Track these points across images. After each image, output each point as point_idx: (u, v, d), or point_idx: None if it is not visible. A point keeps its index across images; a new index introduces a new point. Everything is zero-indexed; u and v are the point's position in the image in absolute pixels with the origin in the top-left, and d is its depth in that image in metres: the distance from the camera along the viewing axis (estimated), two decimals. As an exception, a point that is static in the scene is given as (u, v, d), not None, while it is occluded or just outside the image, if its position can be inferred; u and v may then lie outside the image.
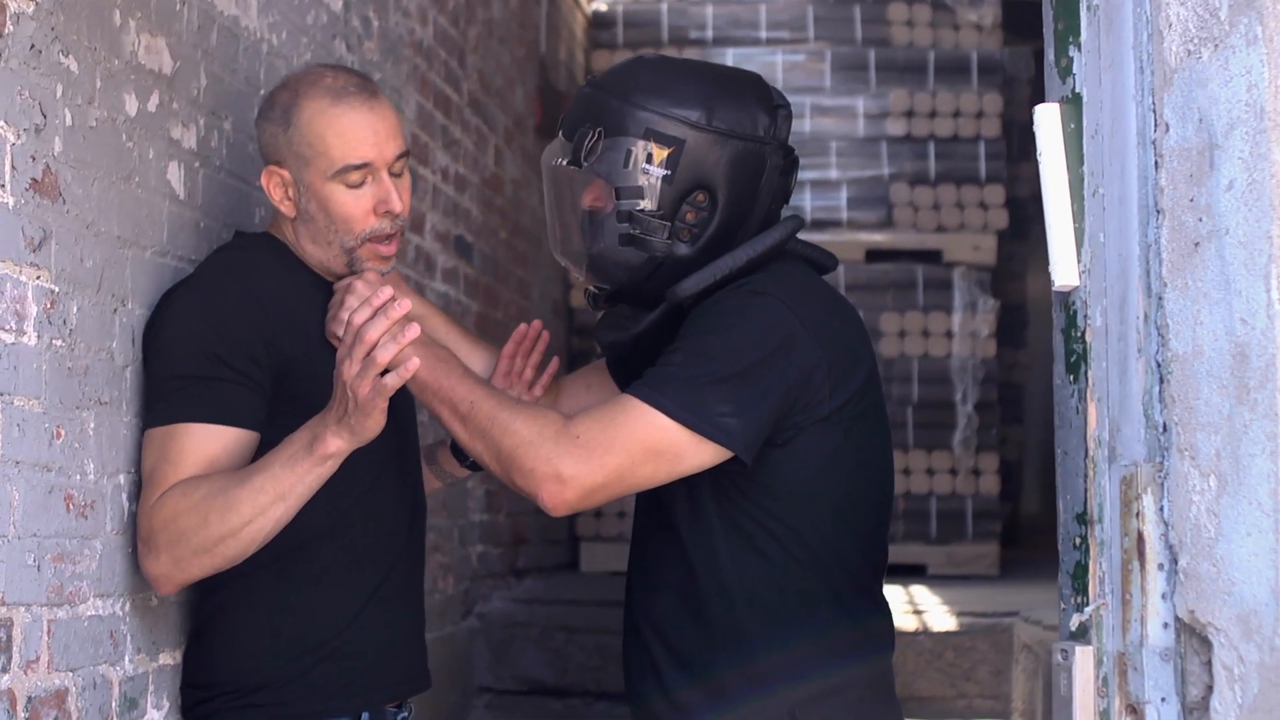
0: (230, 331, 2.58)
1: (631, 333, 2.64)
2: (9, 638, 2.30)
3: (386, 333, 2.39)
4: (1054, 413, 2.34)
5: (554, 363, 2.95)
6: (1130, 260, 2.17)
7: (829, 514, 2.55)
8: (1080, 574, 2.24)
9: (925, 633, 5.80)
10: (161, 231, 2.76)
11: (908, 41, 7.60)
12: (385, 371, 2.39)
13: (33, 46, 2.35)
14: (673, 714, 2.57)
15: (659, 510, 2.60)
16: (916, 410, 7.23)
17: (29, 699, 2.35)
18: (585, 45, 7.83)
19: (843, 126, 7.48)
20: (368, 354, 2.39)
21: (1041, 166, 2.28)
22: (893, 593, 5.84)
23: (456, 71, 5.44)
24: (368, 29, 4.12)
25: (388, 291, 2.42)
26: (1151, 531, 2.13)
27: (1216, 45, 2.10)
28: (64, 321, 2.44)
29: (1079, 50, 2.26)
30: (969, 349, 7.29)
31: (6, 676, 2.30)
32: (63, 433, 2.44)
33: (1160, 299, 2.13)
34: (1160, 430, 2.13)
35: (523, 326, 2.89)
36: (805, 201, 7.33)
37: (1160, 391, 2.13)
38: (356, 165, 2.65)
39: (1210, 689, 2.07)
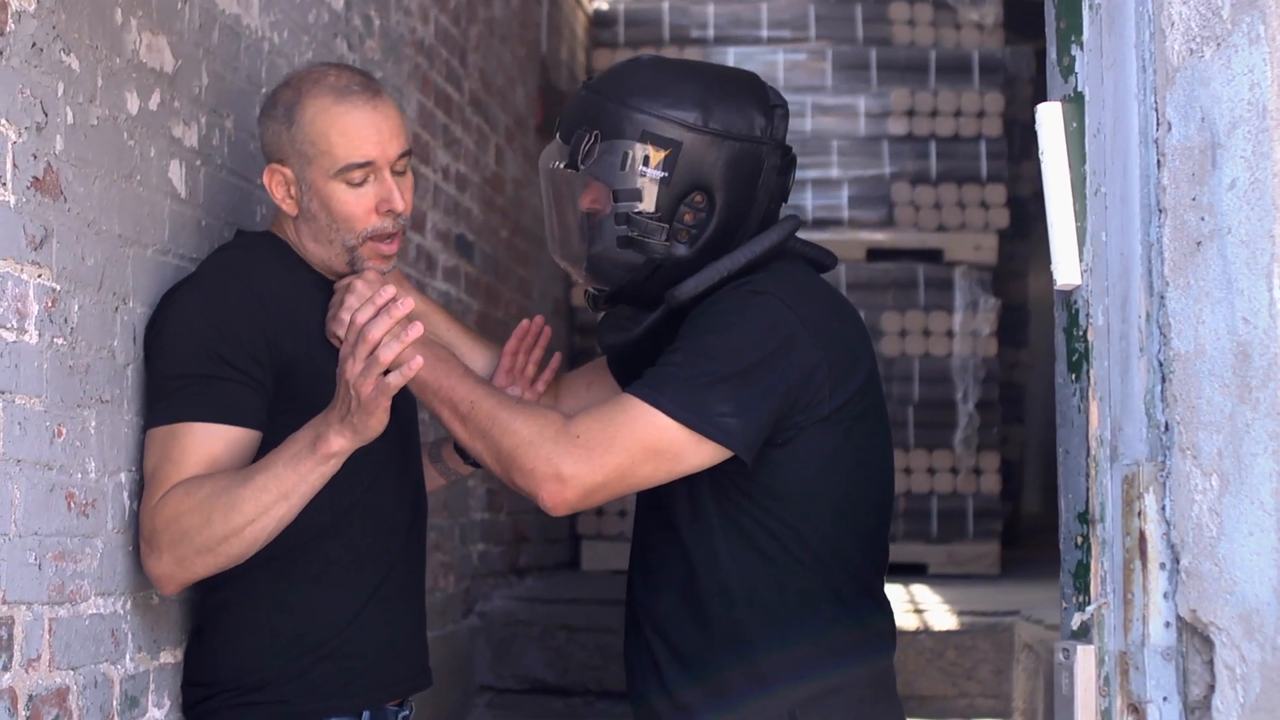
0: (232, 330, 2.58)
1: (631, 334, 2.64)
2: (10, 636, 2.30)
3: (389, 332, 2.39)
4: (1056, 412, 2.34)
5: (556, 358, 2.95)
6: (1132, 259, 2.17)
7: (829, 513, 2.55)
8: (1082, 573, 2.24)
9: (926, 632, 5.80)
10: (163, 230, 2.76)
11: (909, 40, 7.59)
12: (388, 370, 2.39)
13: (34, 45, 2.35)
14: (674, 713, 2.57)
15: (660, 510, 2.60)
16: (917, 409, 7.23)
17: (30, 697, 2.35)
18: (586, 44, 7.83)
19: (844, 125, 7.48)
20: (371, 353, 2.39)
21: (1043, 165, 2.28)
22: (894, 592, 5.84)
23: (458, 70, 5.44)
24: (369, 28, 4.12)
25: (390, 291, 2.41)
26: (1153, 531, 2.13)
27: (1219, 44, 2.10)
28: (65, 320, 2.44)
29: (1081, 49, 2.26)
30: (970, 348, 7.29)
31: (8, 675, 2.30)
32: (64, 431, 2.44)
33: (1162, 298, 2.12)
34: (1162, 429, 2.13)
35: (525, 322, 2.90)
36: (806, 200, 7.32)
37: (1162, 390, 2.13)
38: (359, 164, 2.65)
39: (1212, 688, 2.07)
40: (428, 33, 4.99)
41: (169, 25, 2.78)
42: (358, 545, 2.69)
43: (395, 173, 2.69)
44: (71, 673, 2.47)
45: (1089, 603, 2.21)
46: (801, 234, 2.70)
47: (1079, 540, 2.25)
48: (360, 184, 2.66)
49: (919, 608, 6.03)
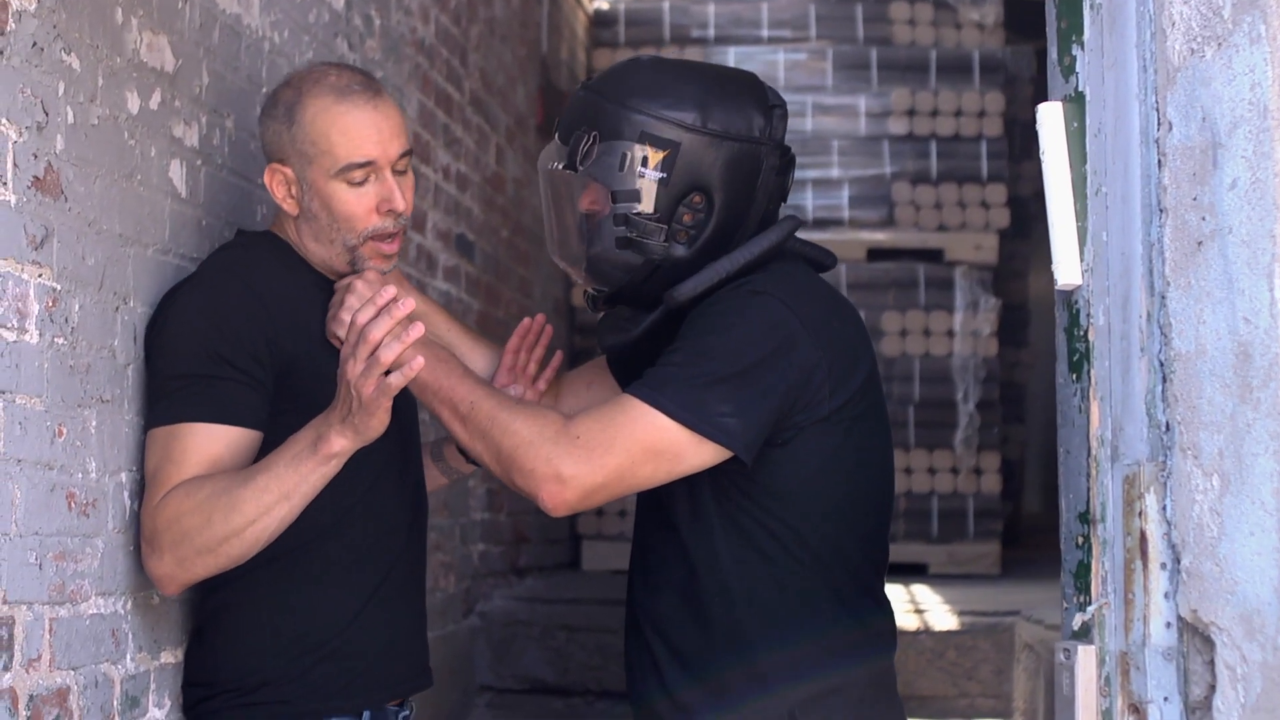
0: (233, 330, 2.58)
1: (631, 335, 2.64)
2: (11, 636, 2.30)
3: (390, 333, 2.38)
4: (1056, 412, 2.34)
5: (558, 356, 2.95)
6: (1133, 259, 2.17)
7: (829, 514, 2.55)
8: (1083, 573, 2.24)
9: (927, 632, 5.80)
10: (163, 229, 2.75)
11: (910, 40, 7.59)
12: (389, 371, 2.39)
13: (35, 44, 2.35)
14: (674, 713, 2.57)
15: (660, 510, 2.60)
16: (918, 409, 7.23)
17: (31, 697, 2.35)
18: (587, 44, 7.83)
19: (844, 125, 7.48)
20: (372, 353, 2.38)
21: (1044, 165, 2.28)
22: (894, 592, 5.84)
23: (458, 70, 5.44)
24: (369, 27, 4.12)
25: (391, 291, 2.41)
26: (1154, 531, 2.13)
27: (1220, 44, 2.10)
28: (66, 319, 2.44)
29: (1082, 49, 2.26)
30: (970, 348, 7.29)
31: (8, 675, 2.30)
32: (64, 431, 2.44)
33: (1163, 298, 2.12)
34: (1163, 429, 2.13)
35: (527, 320, 2.90)
36: (807, 200, 7.32)
37: (1163, 390, 2.13)
38: (360, 163, 2.65)
39: (1213, 688, 2.07)
40: (428, 32, 4.99)
41: (170, 25, 2.78)
42: (358, 545, 2.69)
43: (396, 172, 2.69)
44: (72, 673, 2.47)
45: (1090, 603, 2.21)
46: (802, 234, 2.70)
47: (1080, 540, 2.25)
48: (361, 183, 2.66)
49: (919, 608, 6.03)
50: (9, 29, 2.29)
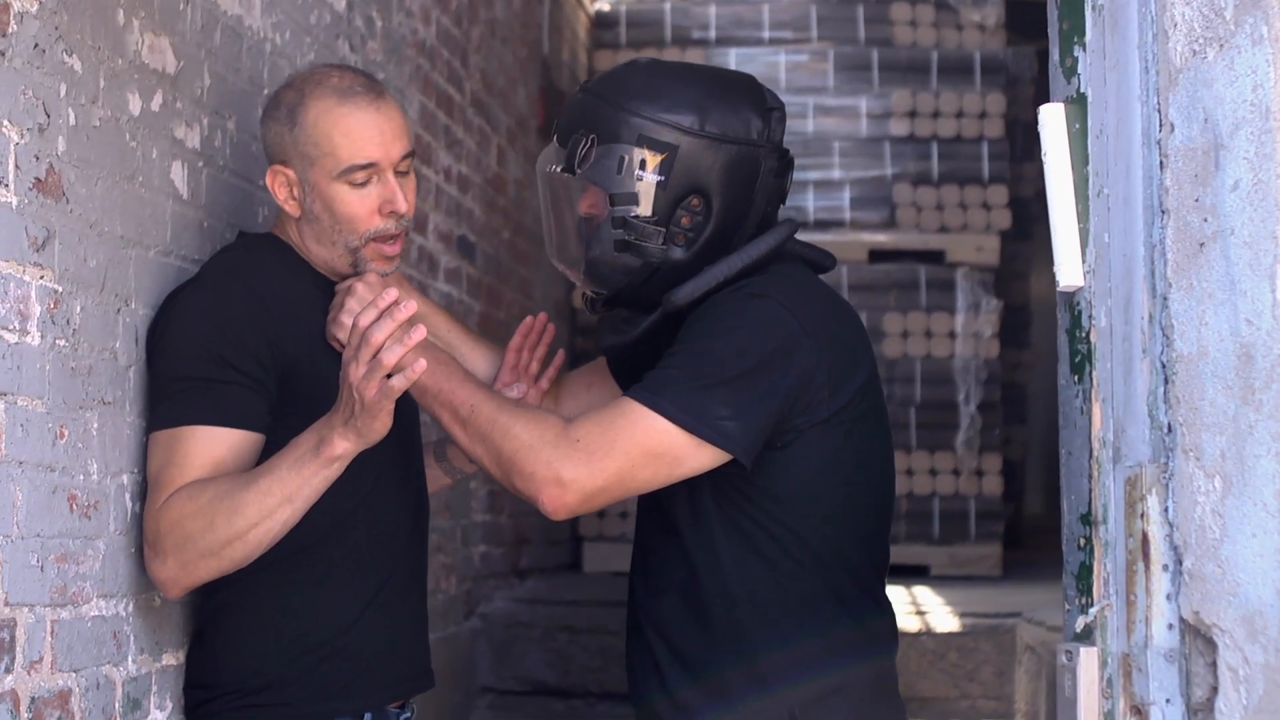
0: (234, 332, 2.58)
1: (629, 337, 2.64)
2: (12, 638, 2.30)
3: (392, 335, 2.38)
4: (1058, 413, 2.34)
5: (559, 356, 2.95)
6: (1135, 260, 2.17)
7: (830, 516, 2.55)
8: (1085, 575, 2.24)
9: (928, 633, 5.80)
10: (165, 231, 2.75)
11: (911, 41, 7.59)
12: (390, 374, 2.39)
13: (36, 46, 2.35)
14: (675, 714, 2.57)
15: (661, 513, 2.60)
16: (919, 411, 7.22)
17: (32, 700, 2.35)
18: (588, 45, 7.83)
19: (846, 126, 7.48)
20: (374, 356, 2.38)
21: (1046, 167, 2.28)
22: (895, 593, 5.84)
23: (459, 71, 5.44)
24: (371, 29, 4.12)
25: (393, 293, 2.41)
26: (1156, 532, 2.13)
27: (1222, 45, 2.09)
28: (67, 321, 2.44)
29: (1084, 50, 2.26)
30: (972, 349, 7.28)
31: (10, 677, 2.30)
32: (66, 433, 2.44)
33: (1165, 299, 2.12)
34: (1165, 431, 2.13)
35: (529, 319, 2.90)
36: (808, 202, 7.32)
37: (1165, 392, 2.13)
38: (362, 165, 2.65)
39: (1215, 690, 2.07)
40: (429, 34, 4.99)
41: (171, 26, 2.78)
42: (360, 548, 2.69)
43: (398, 174, 2.69)
44: (74, 675, 2.47)
45: (1092, 604, 2.21)
46: (803, 235, 2.70)
47: (1081, 542, 2.25)
48: (363, 185, 2.66)
49: (921, 609, 6.03)
50: (10, 31, 2.29)
